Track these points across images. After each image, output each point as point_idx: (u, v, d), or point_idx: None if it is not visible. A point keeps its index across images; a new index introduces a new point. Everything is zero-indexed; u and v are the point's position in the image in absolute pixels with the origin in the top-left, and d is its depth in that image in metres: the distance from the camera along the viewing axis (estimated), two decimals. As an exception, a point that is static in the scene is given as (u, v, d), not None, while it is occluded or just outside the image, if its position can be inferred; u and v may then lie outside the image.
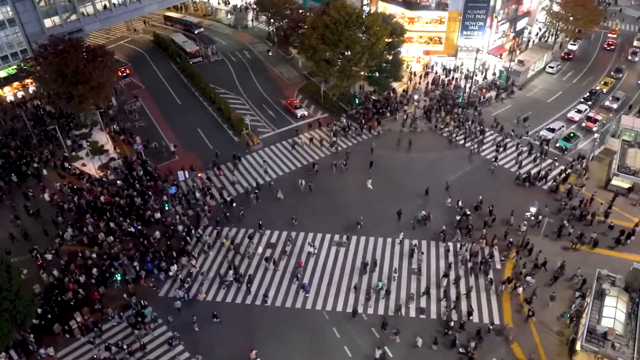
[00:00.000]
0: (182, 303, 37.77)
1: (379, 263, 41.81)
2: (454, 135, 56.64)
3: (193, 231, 44.70)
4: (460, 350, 34.62)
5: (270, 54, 75.14)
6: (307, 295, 39.07)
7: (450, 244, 43.22)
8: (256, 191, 48.71)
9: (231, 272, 40.85)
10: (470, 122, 57.98)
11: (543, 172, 50.80)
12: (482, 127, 57.17)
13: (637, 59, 72.63)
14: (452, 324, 36.18)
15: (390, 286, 39.66)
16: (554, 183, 49.44)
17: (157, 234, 43.93)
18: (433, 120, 59.29)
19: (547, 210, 44.72)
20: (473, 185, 49.31)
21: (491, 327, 36.14)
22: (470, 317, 36.88)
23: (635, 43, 76.22)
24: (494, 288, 39.44)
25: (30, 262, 41.44)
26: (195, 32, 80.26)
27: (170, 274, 40.83)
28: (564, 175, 50.55)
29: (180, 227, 44.52)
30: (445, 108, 60.75)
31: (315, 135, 57.38)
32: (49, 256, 41.66)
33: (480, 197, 47.08)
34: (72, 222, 44.74)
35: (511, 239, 42.72)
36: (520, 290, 38.72)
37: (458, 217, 45.10)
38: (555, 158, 53.09)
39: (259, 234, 44.76)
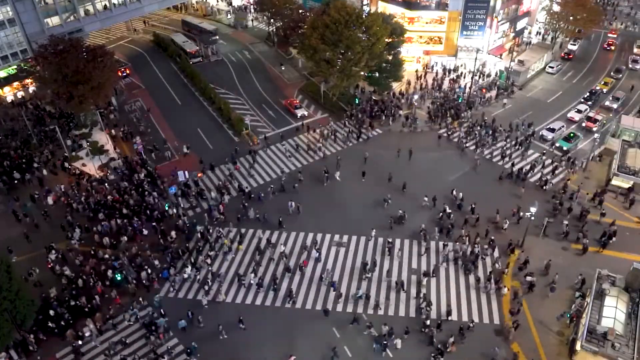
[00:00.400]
0: (187, 322, 36.42)
1: (379, 263, 41.89)
2: (464, 142, 55.54)
3: (210, 230, 44.60)
4: (439, 346, 34.71)
5: (283, 68, 71.98)
6: (334, 291, 39.04)
7: (433, 243, 43.25)
8: (271, 186, 49.06)
9: (252, 275, 40.48)
10: (479, 127, 57.21)
11: (528, 167, 51.17)
12: (494, 134, 56.10)
13: (638, 66, 71.01)
14: (428, 322, 36.14)
15: (399, 280, 39.80)
16: (542, 179, 49.60)
17: (173, 233, 43.93)
18: (443, 127, 58.20)
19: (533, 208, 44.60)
20: (466, 184, 49.44)
21: (471, 324, 36.22)
22: (450, 317, 36.93)
23: (635, 50, 75.09)
24: (480, 286, 39.55)
25: (41, 260, 41.47)
26: (210, 39, 75.96)
27: (185, 276, 40.53)
28: (550, 168, 50.97)
29: (199, 228, 44.41)
30: (450, 112, 59.69)
31: (300, 142, 56.45)
32: (52, 256, 41.58)
33: (461, 194, 47.23)
34: (79, 223, 44.62)
35: (493, 237, 42.82)
36: (504, 290, 38.73)
37: (439, 215, 45.32)
38: (544, 152, 53.49)
39: (283, 233, 44.69)
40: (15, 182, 49.74)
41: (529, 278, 39.26)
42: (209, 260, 41.86)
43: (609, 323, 32.93)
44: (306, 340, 35.88)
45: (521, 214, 44.71)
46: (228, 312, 37.80)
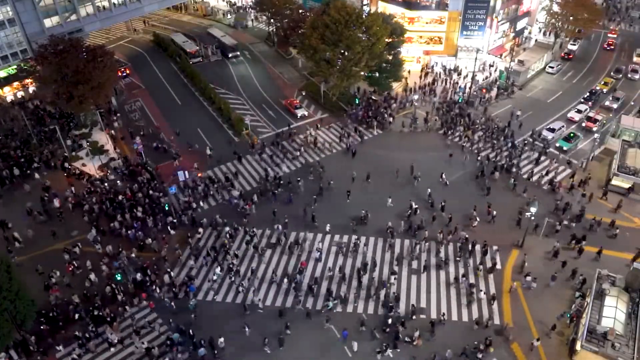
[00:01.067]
0: (205, 351, 34.42)
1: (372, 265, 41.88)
2: (481, 152, 53.73)
3: (239, 229, 44.48)
4: (406, 339, 35.06)
5: (303, 94, 66.02)
6: (386, 289, 39.03)
7: (407, 242, 43.41)
8: (298, 179, 49.31)
9: (285, 280, 39.96)
10: (497, 134, 55.75)
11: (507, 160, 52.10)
12: (512, 141, 54.38)
13: (637, 76, 68.56)
14: (390, 321, 36.33)
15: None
16: (518, 172, 50.37)
17: (201, 230, 44.18)
18: (456, 137, 56.62)
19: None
20: (464, 184, 49.59)
21: (443, 317, 36.56)
22: (414, 317, 36.97)
23: (635, 59, 72.82)
24: (455, 283, 39.84)
25: (45, 261, 41.44)
26: (230, 55, 74.36)
27: (214, 277, 40.19)
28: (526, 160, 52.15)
29: (227, 229, 44.18)
30: (464, 121, 58.23)
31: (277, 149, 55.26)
32: (66, 256, 41.52)
33: (429, 190, 47.54)
34: (95, 224, 44.57)
35: (467, 235, 43.11)
36: (481, 294, 38.44)
37: (407, 213, 45.50)
38: (525, 142, 54.25)
39: (313, 232, 44.32)
40: (15, 181, 49.76)
41: (528, 278, 39.25)
42: (235, 261, 41.61)
43: (609, 323, 32.96)
44: (305, 342, 35.82)
45: (494, 212, 44.98)
46: (264, 316, 37.47)
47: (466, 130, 57.15)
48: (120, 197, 47.13)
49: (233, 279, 40.18)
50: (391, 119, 59.41)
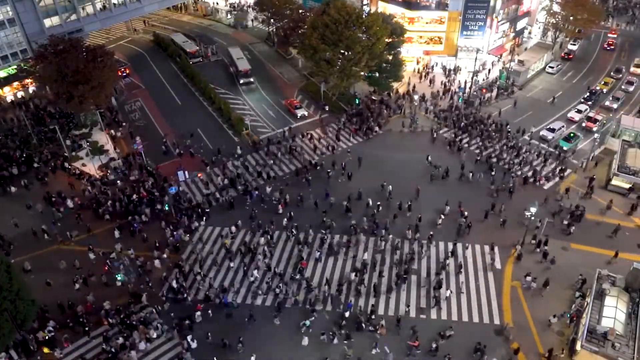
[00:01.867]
0: None
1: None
2: (509, 166, 51.57)
3: (270, 231, 44.17)
4: (370, 328, 35.57)
5: (327, 108, 62.15)
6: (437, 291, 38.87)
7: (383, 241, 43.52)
8: (328, 171, 50.39)
9: (325, 288, 39.25)
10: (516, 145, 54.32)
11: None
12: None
13: (631, 89, 66.11)
14: (347, 314, 36.68)
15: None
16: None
17: (233, 228, 44.08)
18: (473, 146, 55.15)
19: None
20: (463, 185, 49.49)
21: (407, 308, 37.34)
22: (374, 316, 36.92)
23: (632, 69, 70.31)
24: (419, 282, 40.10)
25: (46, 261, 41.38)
26: (241, 81, 68.90)
27: (251, 279, 39.70)
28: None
29: (262, 240, 43.48)
30: (479, 127, 57.21)
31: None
32: (92, 255, 41.43)
33: (390, 186, 47.77)
34: (119, 224, 44.37)
35: (432, 232, 43.34)
36: (448, 293, 38.31)
37: (372, 212, 45.65)
38: (508, 132, 54.99)
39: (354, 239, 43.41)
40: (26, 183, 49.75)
41: (528, 278, 39.24)
42: (267, 260, 41.44)
43: (609, 323, 32.98)
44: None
45: (466, 213, 45.09)
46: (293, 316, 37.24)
47: (483, 139, 55.95)
48: (134, 196, 47.05)
49: (270, 282, 39.79)
50: (377, 128, 58.02)
